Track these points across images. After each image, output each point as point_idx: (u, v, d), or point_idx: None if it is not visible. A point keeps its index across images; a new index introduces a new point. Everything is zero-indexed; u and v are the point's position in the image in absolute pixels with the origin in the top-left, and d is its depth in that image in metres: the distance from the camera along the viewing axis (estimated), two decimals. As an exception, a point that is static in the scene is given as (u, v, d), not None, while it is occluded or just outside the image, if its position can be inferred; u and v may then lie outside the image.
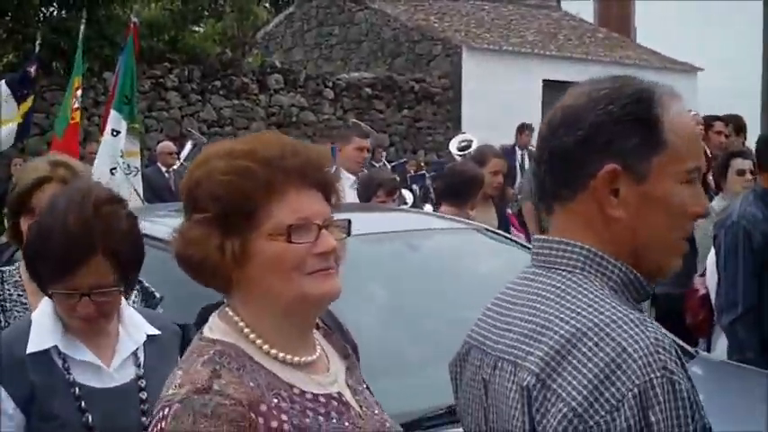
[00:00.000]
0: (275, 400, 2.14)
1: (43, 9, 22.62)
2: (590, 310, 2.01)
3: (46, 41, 18.24)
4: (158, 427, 2.07)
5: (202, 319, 2.66)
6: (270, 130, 2.28)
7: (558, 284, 2.10)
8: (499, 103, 24.95)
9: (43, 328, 3.09)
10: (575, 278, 2.10)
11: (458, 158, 15.84)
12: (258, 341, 2.22)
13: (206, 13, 27.76)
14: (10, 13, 21.82)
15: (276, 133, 2.39)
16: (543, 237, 2.21)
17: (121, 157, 10.64)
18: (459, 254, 6.06)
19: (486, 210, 8.47)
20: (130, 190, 10.31)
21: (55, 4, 22.53)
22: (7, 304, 3.76)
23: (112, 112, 11.00)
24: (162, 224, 5.65)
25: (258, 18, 28.54)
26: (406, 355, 4.80)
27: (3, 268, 3.90)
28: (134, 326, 3.26)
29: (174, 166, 15.93)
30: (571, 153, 2.13)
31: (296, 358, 2.25)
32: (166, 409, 2.07)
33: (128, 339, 3.21)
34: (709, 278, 6.50)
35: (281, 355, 2.23)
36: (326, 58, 29.99)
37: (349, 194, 8.25)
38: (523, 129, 17.49)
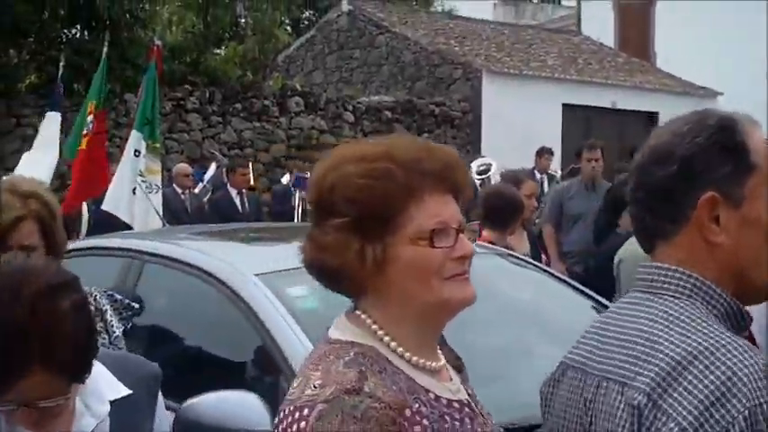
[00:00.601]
0: (416, 405, 2.12)
1: (65, 31, 22.75)
2: (699, 333, 2.08)
3: (68, 63, 18.35)
4: (295, 428, 2.04)
5: None
6: (402, 133, 2.20)
7: (666, 309, 2.16)
8: (519, 126, 24.94)
9: None
10: (681, 303, 2.16)
11: (477, 182, 15.86)
12: (393, 344, 2.20)
13: (227, 36, 27.93)
14: (33, 35, 21.95)
15: (409, 135, 2.43)
16: (650, 263, 2.27)
17: (141, 176, 10.67)
18: (482, 280, 6.05)
19: (519, 234, 8.43)
20: (150, 210, 10.35)
21: (78, 26, 22.67)
22: None
23: (134, 132, 11.04)
24: (185, 246, 5.69)
25: (279, 41, 28.66)
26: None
27: None
28: (96, 396, 2.71)
29: (196, 190, 15.97)
30: (669, 188, 2.21)
31: (429, 363, 2.24)
32: (306, 410, 2.04)
33: (88, 416, 2.68)
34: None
35: (414, 359, 2.21)
36: (347, 82, 30.05)
37: None
38: (543, 152, 17.48)
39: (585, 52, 32.03)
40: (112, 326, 3.71)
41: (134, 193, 10.49)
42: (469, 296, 2.25)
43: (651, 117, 28.80)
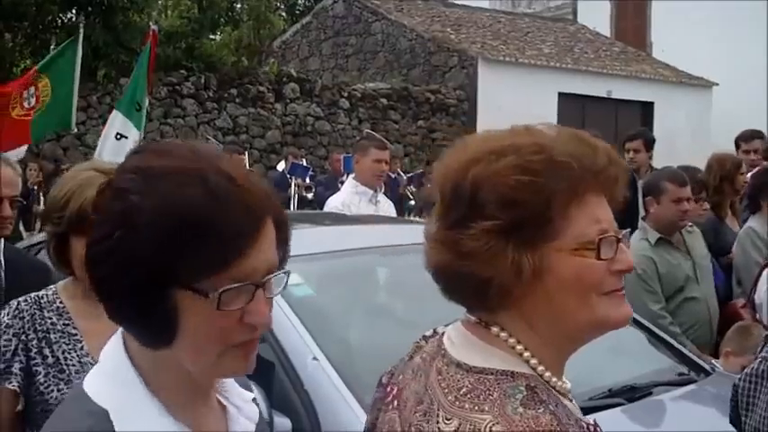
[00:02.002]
0: None
1: (61, 15, 22.71)
2: None
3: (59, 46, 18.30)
4: None
5: None
6: (551, 123, 1.77)
7: None
8: (514, 115, 24.77)
9: (135, 414, 1.73)
10: None
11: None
12: (547, 374, 1.91)
13: (223, 22, 27.84)
14: (28, 19, 21.91)
15: (556, 125, 1.97)
16: None
17: None
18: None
19: None
20: None
21: (73, 10, 22.62)
22: (52, 335, 3.40)
23: (120, 116, 10.87)
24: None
25: (275, 27, 28.58)
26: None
27: (39, 293, 3.50)
28: (237, 395, 2.01)
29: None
30: None
31: (568, 386, 1.97)
32: None
33: (242, 418, 1.98)
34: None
35: (559, 384, 1.94)
36: (342, 68, 30.03)
37: (367, 209, 8.20)
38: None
39: (581, 41, 32.03)
40: None
41: None
42: (627, 315, 1.94)
43: (646, 106, 28.87)
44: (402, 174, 17.75)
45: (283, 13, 35.90)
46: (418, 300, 5.56)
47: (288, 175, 16.98)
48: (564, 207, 1.84)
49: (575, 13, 36.02)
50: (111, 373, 1.73)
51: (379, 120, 25.48)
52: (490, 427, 1.75)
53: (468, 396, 1.83)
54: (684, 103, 28.15)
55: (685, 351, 5.33)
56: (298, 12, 41.20)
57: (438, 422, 1.83)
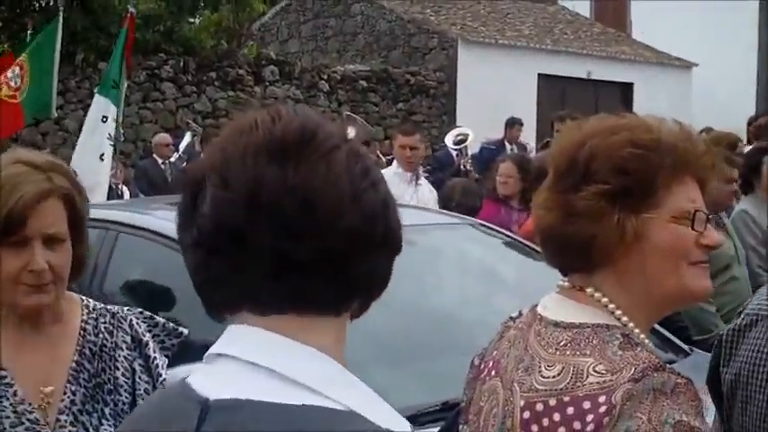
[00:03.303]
0: None
1: (38, -2, 22.61)
2: None
3: (38, 31, 18.18)
4: (590, 418, 1.95)
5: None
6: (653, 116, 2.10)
7: None
8: (494, 96, 24.94)
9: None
10: None
11: (453, 152, 15.89)
12: (630, 325, 2.14)
13: (201, 5, 27.71)
14: (5, 3, 21.78)
15: (662, 118, 2.26)
16: None
17: (111, 141, 10.50)
18: (453, 249, 6.07)
19: None
20: (110, 176, 10.25)
21: (52, -7, 22.52)
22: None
23: (99, 98, 10.84)
24: (160, 217, 5.66)
25: (254, 9, 28.43)
26: (398, 349, 4.81)
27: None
28: None
29: (172, 159, 15.89)
30: None
31: (652, 346, 2.17)
32: (602, 397, 1.95)
33: None
34: None
35: (647, 342, 2.14)
36: (322, 51, 29.97)
37: (407, 190, 8.28)
38: (513, 123, 17.56)
39: (561, 22, 32.03)
40: (156, 365, 2.89)
41: (101, 159, 10.36)
42: (707, 288, 2.22)
43: (626, 87, 28.90)
44: (382, 156, 17.73)
45: (262, -4, 35.75)
46: (394, 282, 5.56)
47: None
48: (667, 181, 2.12)
49: (554, -7, 36.03)
50: (335, 380, 1.52)
51: (359, 102, 25.45)
52: (593, 367, 2.01)
53: (569, 346, 2.09)
54: (665, 84, 28.19)
55: (663, 331, 5.33)
56: (277, -6, 41.11)
57: (540, 371, 2.08)
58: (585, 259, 2.15)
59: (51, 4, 22.34)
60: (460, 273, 5.89)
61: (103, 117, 10.62)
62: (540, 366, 2.10)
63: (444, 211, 7.63)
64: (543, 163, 7.63)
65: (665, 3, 30.20)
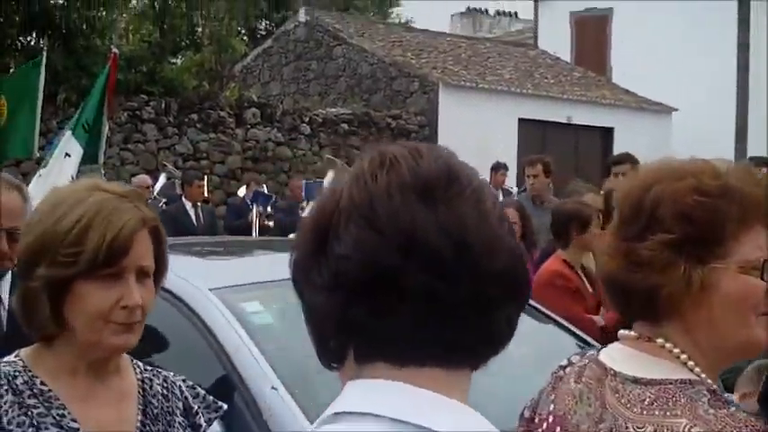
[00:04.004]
0: None
1: (21, 38, 22.61)
2: None
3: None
4: None
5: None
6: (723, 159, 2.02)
7: None
8: (475, 140, 24.97)
9: None
10: None
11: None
12: (703, 376, 2.08)
13: (184, 46, 27.83)
14: (-14, 42, 21.80)
15: (728, 161, 2.23)
16: None
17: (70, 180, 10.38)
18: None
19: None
20: None
21: (33, 33, 22.53)
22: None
23: (67, 134, 10.72)
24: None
25: (236, 51, 28.59)
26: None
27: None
28: None
29: (148, 200, 15.86)
30: None
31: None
32: None
33: None
34: None
35: (733, 400, 2.14)
36: (304, 93, 30.02)
37: None
38: (498, 168, 17.56)
39: (542, 66, 32.18)
40: None
41: None
42: None
43: (607, 132, 29.02)
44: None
45: (245, 38, 35.85)
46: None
47: (249, 203, 16.94)
48: (735, 229, 2.05)
49: (535, 38, 36.20)
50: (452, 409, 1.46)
51: (341, 145, 25.48)
52: (689, 428, 1.93)
53: (655, 405, 2.01)
54: (645, 128, 28.30)
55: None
56: (259, 36, 41.18)
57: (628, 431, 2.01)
58: (651, 309, 2.10)
59: (33, 43, 22.38)
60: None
61: (66, 154, 10.50)
62: (627, 427, 2.03)
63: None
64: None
65: (646, 47, 30.41)
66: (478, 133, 25.48)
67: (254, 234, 15.80)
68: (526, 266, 1.50)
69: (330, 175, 15.16)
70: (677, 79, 29.43)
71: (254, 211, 16.36)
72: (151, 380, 2.68)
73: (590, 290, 7.15)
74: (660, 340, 2.10)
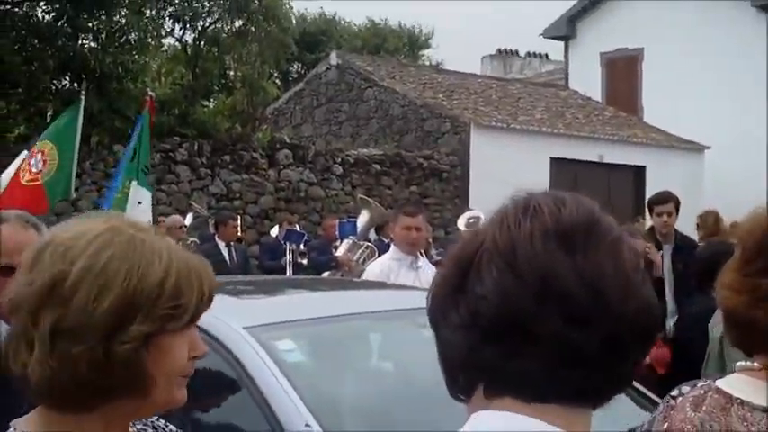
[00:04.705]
0: None
1: (55, 82, 22.82)
2: None
3: (57, 114, 18.32)
4: None
5: None
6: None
7: None
8: (507, 180, 24.84)
9: None
10: None
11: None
12: None
13: (216, 89, 27.99)
14: (22, 86, 22.00)
15: None
16: None
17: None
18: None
19: None
20: None
21: (67, 77, 22.73)
22: None
23: (133, 184, 11.07)
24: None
25: (268, 94, 28.71)
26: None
27: None
28: None
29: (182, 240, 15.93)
30: None
31: None
32: None
33: None
34: None
35: None
36: (335, 135, 30.13)
37: (407, 275, 8.12)
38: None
39: (573, 106, 32.19)
40: None
41: None
42: None
43: (639, 171, 28.96)
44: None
45: (276, 81, 36.11)
46: (410, 365, 5.56)
47: (282, 242, 17.00)
48: None
49: (566, 78, 36.25)
50: None
51: (373, 185, 25.54)
52: None
53: None
54: (677, 166, 28.23)
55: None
56: (291, 79, 41.44)
57: None
58: (757, 342, 2.21)
59: (67, 87, 22.58)
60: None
61: (138, 202, 10.85)
62: None
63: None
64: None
65: (677, 87, 30.41)
66: (510, 173, 25.44)
67: (287, 272, 15.85)
68: (657, 313, 1.56)
69: (365, 215, 15.23)
70: (709, 118, 29.39)
71: (287, 248, 16.41)
72: None
73: None
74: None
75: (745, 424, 2.15)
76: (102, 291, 1.94)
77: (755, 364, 2.23)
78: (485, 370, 1.50)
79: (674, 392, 2.39)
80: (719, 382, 2.28)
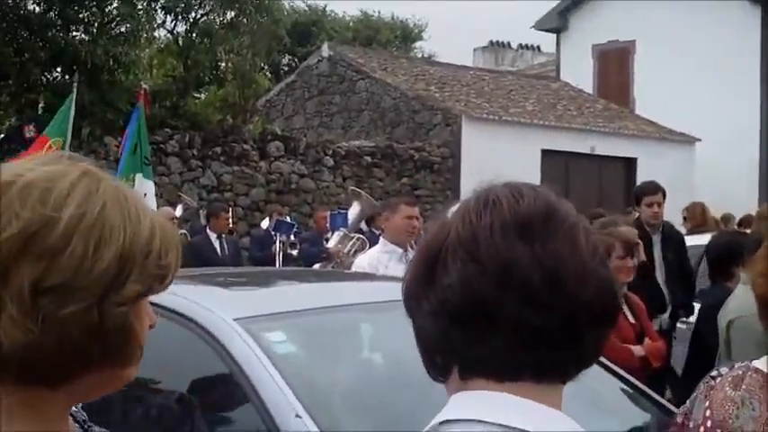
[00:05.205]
0: None
1: (46, 74, 22.79)
2: None
3: (48, 106, 18.32)
4: None
5: None
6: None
7: None
8: (498, 171, 24.79)
9: None
10: None
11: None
12: None
13: (207, 81, 27.96)
14: (13, 78, 21.97)
15: None
16: None
17: None
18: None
19: None
20: None
21: (59, 69, 22.71)
22: None
23: (138, 176, 11.10)
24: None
25: (259, 86, 28.72)
26: (403, 423, 4.81)
27: None
28: None
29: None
30: None
31: None
32: None
33: None
34: None
35: None
36: (327, 127, 30.12)
37: (396, 268, 8.09)
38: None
39: (564, 98, 32.20)
40: None
41: None
42: None
43: (630, 162, 28.99)
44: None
45: (268, 73, 36.06)
46: (401, 356, 5.57)
47: (272, 233, 16.98)
48: None
49: (558, 70, 36.24)
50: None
51: (364, 177, 25.54)
52: None
53: None
54: (667, 158, 28.25)
55: (665, 403, 5.33)
56: (282, 71, 41.42)
57: None
58: None
59: (59, 78, 22.56)
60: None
61: (144, 194, 10.93)
62: None
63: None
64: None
65: (668, 78, 30.41)
66: (501, 165, 25.45)
67: (277, 263, 15.84)
68: (616, 294, 1.64)
69: (356, 207, 15.23)
70: (700, 110, 29.40)
71: (278, 240, 16.40)
72: None
73: (631, 320, 7.06)
74: None
75: None
76: (101, 243, 1.65)
77: None
78: (456, 353, 1.60)
79: (713, 373, 2.53)
80: (756, 363, 2.43)
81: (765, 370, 2.41)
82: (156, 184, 22.01)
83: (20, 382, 1.62)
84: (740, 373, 2.45)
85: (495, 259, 1.55)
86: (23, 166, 1.68)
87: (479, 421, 1.55)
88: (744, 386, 2.41)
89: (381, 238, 8.74)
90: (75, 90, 11.98)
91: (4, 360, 1.58)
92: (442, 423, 1.60)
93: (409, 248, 8.47)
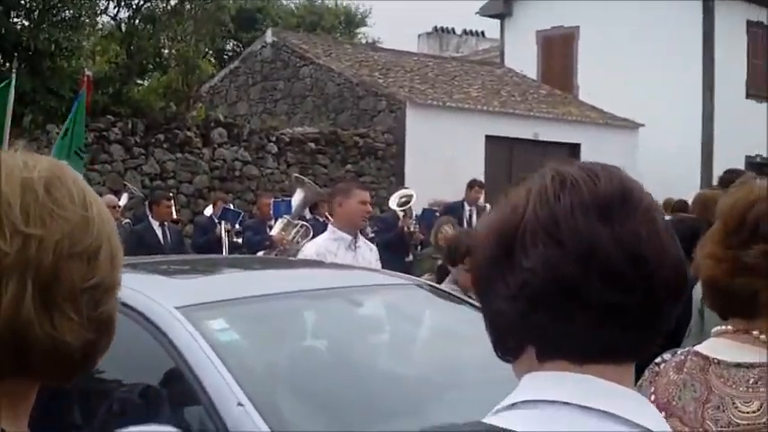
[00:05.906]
0: None
1: (-15, 61, 22.54)
2: None
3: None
4: None
5: None
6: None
7: None
8: (442, 158, 25.08)
9: None
10: None
11: (399, 213, 15.97)
12: None
13: (151, 67, 27.75)
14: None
15: None
16: None
17: None
18: (402, 310, 6.07)
19: None
20: None
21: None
22: None
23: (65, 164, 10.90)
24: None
25: (203, 72, 28.53)
26: (346, 410, 4.81)
27: None
28: None
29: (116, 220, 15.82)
30: None
31: None
32: None
33: None
34: None
35: None
36: (271, 113, 30.03)
37: (345, 256, 8.08)
38: (473, 185, 17.57)
39: (508, 84, 32.32)
40: None
41: None
42: None
43: (574, 148, 29.14)
44: (329, 217, 17.83)
45: (212, 59, 35.84)
46: (344, 343, 5.56)
47: (217, 221, 16.90)
48: None
49: (502, 56, 36.35)
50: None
51: (308, 164, 25.49)
52: None
53: (760, 383, 2.39)
54: (611, 144, 28.42)
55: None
56: (226, 57, 41.20)
57: (736, 407, 2.40)
58: (750, 307, 2.44)
59: (-1, 65, 22.30)
60: (409, 333, 5.89)
61: None
62: (734, 403, 2.40)
63: (388, 271, 7.58)
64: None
65: (612, 64, 30.59)
66: (446, 151, 25.56)
67: (224, 251, 15.77)
68: (686, 270, 1.70)
69: (299, 194, 15.16)
70: (643, 95, 29.59)
71: (222, 227, 16.32)
72: None
73: None
74: (756, 332, 2.45)
75: (722, 380, 2.45)
76: (114, 240, 1.65)
77: (730, 327, 2.50)
78: (535, 335, 1.63)
79: (658, 360, 2.61)
80: (697, 347, 2.57)
81: (705, 353, 2.52)
82: (98, 172, 21.93)
83: (38, 377, 1.59)
84: (682, 358, 2.58)
85: (577, 240, 1.58)
86: (22, 160, 1.71)
87: (561, 402, 1.58)
88: (685, 369, 2.53)
89: (330, 226, 8.71)
90: (14, 77, 11.76)
91: (66, 360, 1.55)
92: (516, 404, 1.62)
93: (359, 235, 8.47)
